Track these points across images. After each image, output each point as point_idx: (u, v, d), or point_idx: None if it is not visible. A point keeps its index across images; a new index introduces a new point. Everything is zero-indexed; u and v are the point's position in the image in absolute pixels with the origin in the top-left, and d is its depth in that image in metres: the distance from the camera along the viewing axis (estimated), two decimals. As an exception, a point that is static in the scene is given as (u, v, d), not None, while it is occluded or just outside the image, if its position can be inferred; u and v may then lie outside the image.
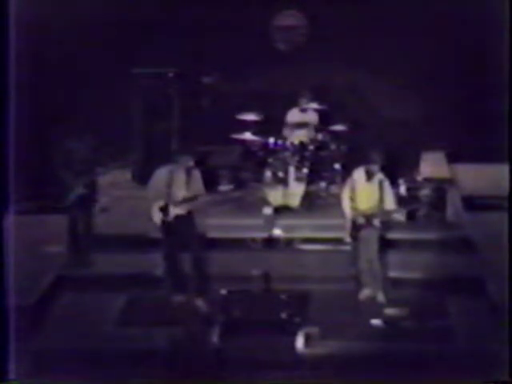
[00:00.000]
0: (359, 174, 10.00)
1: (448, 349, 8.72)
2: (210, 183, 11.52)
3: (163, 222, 9.71)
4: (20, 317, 8.63)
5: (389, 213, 9.91)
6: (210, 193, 10.70)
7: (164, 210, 9.68)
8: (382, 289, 9.79)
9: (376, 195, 9.84)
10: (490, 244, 9.82)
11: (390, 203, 9.89)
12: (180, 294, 9.76)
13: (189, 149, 10.12)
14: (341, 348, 8.76)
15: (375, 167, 9.90)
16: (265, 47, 12.93)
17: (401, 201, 10.61)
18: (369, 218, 9.78)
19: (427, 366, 8.41)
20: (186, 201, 9.70)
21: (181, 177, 9.78)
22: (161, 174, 9.87)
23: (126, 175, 12.51)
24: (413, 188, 11.31)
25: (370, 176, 9.93)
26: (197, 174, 9.88)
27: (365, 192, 9.92)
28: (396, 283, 10.05)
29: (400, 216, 9.98)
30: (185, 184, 9.76)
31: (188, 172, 9.80)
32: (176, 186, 9.75)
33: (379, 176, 9.93)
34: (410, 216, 10.97)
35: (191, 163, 9.86)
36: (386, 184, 9.93)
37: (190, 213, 9.81)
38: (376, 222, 9.80)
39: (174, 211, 9.69)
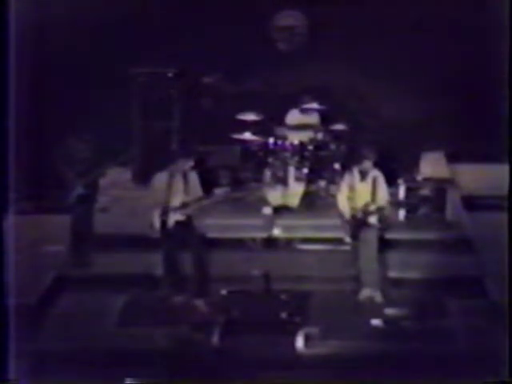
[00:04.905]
0: (353, 175, 10.03)
1: (448, 349, 8.72)
2: (210, 183, 11.55)
3: (163, 225, 9.71)
4: (20, 317, 8.63)
5: (382, 209, 9.93)
6: (208, 194, 10.74)
7: (164, 215, 9.68)
8: (380, 289, 9.80)
9: (371, 193, 9.89)
10: (490, 244, 9.83)
11: (381, 199, 9.92)
12: (180, 294, 9.75)
13: (189, 149, 10.13)
14: (341, 348, 8.76)
15: (368, 164, 9.93)
16: (265, 47, 12.92)
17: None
18: (365, 216, 9.81)
19: (427, 366, 8.40)
20: (185, 206, 9.70)
21: (179, 182, 9.79)
22: (160, 180, 9.88)
23: (126, 175, 12.50)
24: (413, 188, 11.32)
25: (363, 175, 9.97)
26: (194, 177, 9.89)
27: (360, 192, 9.95)
28: (396, 283, 10.06)
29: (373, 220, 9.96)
30: (183, 189, 9.77)
31: (185, 176, 9.82)
32: (174, 191, 9.76)
33: (374, 173, 9.97)
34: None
35: (189, 165, 9.86)
36: (380, 180, 9.97)
37: (189, 216, 9.81)
38: (372, 219, 9.83)
39: (174, 217, 9.70)
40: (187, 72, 12.57)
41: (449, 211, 11.14)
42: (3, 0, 8.78)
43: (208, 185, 10.99)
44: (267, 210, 11.13)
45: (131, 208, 11.19)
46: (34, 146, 11.05)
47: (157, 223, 9.73)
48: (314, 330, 8.93)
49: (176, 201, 9.76)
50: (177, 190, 9.78)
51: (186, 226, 9.80)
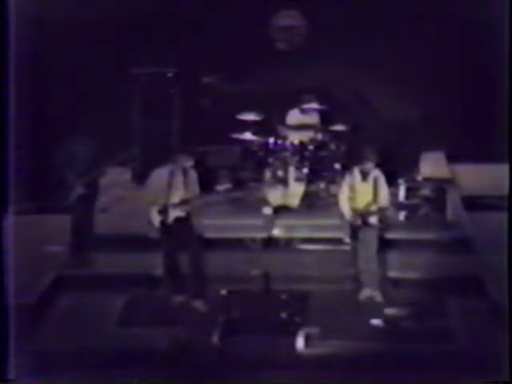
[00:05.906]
0: (354, 175, 10.03)
1: (448, 349, 8.72)
2: (210, 183, 11.55)
3: (162, 223, 9.70)
4: (20, 316, 8.62)
5: (384, 209, 9.94)
6: (208, 193, 10.74)
7: (163, 212, 9.68)
8: (380, 289, 9.80)
9: (372, 193, 9.89)
10: (490, 244, 9.82)
11: (383, 200, 9.93)
12: (180, 294, 9.75)
13: (189, 149, 10.13)
14: (341, 348, 8.76)
15: (369, 165, 9.93)
16: (265, 47, 12.92)
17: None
18: (366, 216, 9.82)
19: (427, 366, 8.40)
20: (184, 202, 9.70)
21: (179, 178, 9.78)
22: (160, 175, 9.86)
23: (126, 175, 12.51)
24: (413, 188, 11.32)
25: (364, 175, 9.98)
26: (193, 175, 9.88)
27: (361, 192, 9.95)
28: (396, 283, 10.06)
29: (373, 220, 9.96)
30: (183, 185, 9.77)
31: (185, 173, 9.81)
32: (175, 187, 9.76)
33: (375, 173, 9.97)
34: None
35: (189, 163, 9.86)
36: (381, 180, 9.97)
37: (187, 214, 9.81)
38: (373, 220, 9.83)
39: (174, 213, 9.69)
40: (187, 72, 12.58)
41: (449, 211, 11.15)
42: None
43: (208, 185, 11.01)
44: (267, 210, 11.14)
45: (131, 208, 11.19)
46: (34, 145, 11.04)
47: (155, 220, 9.72)
48: (314, 330, 8.93)
49: (175, 197, 9.74)
50: (176, 187, 9.76)
51: (185, 223, 9.78)
